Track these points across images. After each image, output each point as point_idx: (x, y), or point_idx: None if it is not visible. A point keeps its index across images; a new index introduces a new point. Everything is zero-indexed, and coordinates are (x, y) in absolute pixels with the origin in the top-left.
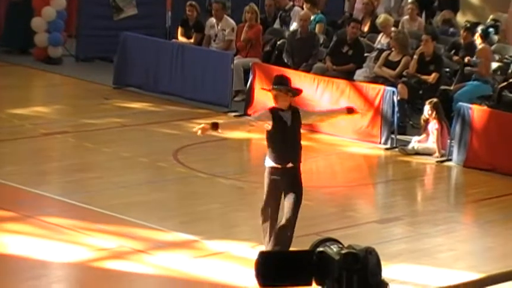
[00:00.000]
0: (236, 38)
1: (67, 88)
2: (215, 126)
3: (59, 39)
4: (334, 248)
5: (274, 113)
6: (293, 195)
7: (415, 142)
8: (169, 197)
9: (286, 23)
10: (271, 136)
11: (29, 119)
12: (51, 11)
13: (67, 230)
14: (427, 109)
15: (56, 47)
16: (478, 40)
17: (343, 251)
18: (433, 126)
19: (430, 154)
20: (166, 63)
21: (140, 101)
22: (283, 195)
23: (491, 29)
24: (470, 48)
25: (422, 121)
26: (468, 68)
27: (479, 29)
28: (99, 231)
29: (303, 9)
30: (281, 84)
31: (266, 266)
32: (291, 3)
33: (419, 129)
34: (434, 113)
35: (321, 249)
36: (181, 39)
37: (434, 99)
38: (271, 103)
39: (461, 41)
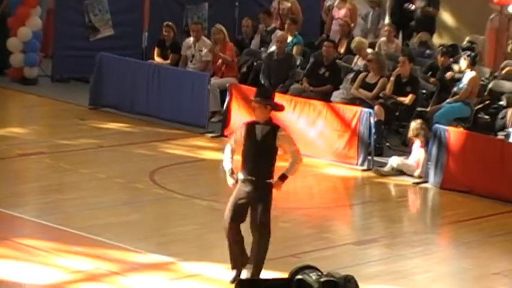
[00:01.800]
0: (212, 59)
1: (43, 109)
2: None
3: (35, 59)
4: (313, 276)
5: (247, 125)
6: (257, 210)
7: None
8: (146, 218)
9: (266, 43)
10: (243, 146)
11: (5, 139)
12: (27, 31)
13: (42, 251)
14: (412, 127)
15: (31, 68)
16: (465, 67)
17: (322, 279)
18: (418, 145)
19: (407, 173)
20: (142, 83)
21: (116, 121)
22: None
23: (472, 54)
24: (446, 70)
25: (408, 139)
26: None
27: (467, 56)
28: (74, 253)
29: (282, 30)
30: (261, 96)
31: None
32: (273, 25)
33: (396, 150)
34: (422, 132)
35: (299, 277)
36: (157, 59)
37: (419, 120)
38: None
39: (439, 65)
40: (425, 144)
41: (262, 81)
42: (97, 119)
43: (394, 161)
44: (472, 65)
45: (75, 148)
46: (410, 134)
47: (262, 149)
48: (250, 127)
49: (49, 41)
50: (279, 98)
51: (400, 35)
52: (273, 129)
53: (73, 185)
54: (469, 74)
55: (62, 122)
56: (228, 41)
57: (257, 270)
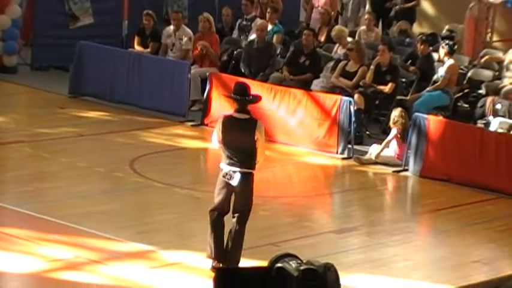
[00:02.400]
0: (193, 48)
1: (22, 97)
2: None
3: (14, 47)
4: (293, 264)
5: (226, 118)
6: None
7: (377, 150)
8: (126, 207)
9: (245, 32)
10: (222, 139)
11: None
12: (6, 19)
13: (22, 240)
14: (393, 115)
15: (10, 56)
16: (443, 55)
17: (301, 267)
18: (394, 133)
19: (390, 164)
20: (122, 72)
21: (96, 110)
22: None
23: (450, 42)
24: (428, 60)
25: (388, 126)
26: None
27: (445, 44)
28: (54, 241)
29: (262, 19)
30: (240, 94)
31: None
32: (253, 13)
33: (376, 138)
34: (401, 120)
35: (279, 265)
36: (137, 48)
37: (400, 108)
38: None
39: (419, 53)
40: (404, 134)
41: (243, 70)
42: (77, 107)
43: (374, 150)
44: (450, 53)
45: (54, 137)
46: (391, 122)
47: (243, 142)
48: (229, 121)
49: (29, 29)
50: (259, 87)
51: (380, 24)
52: (254, 121)
53: (53, 173)
54: (448, 63)
55: (41, 111)
56: (214, 31)
57: (239, 256)
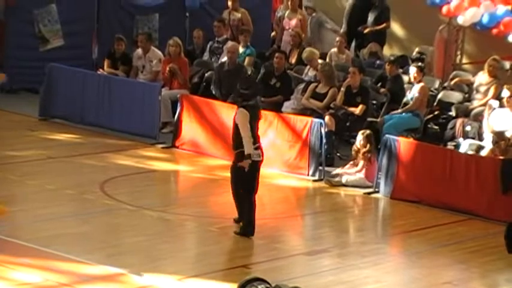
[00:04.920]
0: (162, 70)
1: None
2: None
3: None
4: None
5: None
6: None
7: (342, 173)
8: (96, 229)
9: (216, 54)
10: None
11: None
12: None
13: None
14: (359, 139)
15: None
16: (414, 78)
17: None
18: (360, 165)
19: (361, 186)
20: (92, 94)
21: (66, 132)
22: None
23: (421, 64)
24: (396, 81)
25: (353, 151)
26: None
27: (418, 65)
28: (23, 265)
29: (233, 41)
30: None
31: None
32: (225, 35)
33: (347, 160)
34: (368, 144)
35: None
36: (108, 70)
37: (368, 131)
38: (198, 135)
39: (387, 74)
40: (371, 156)
41: (214, 92)
42: (47, 130)
43: (346, 177)
44: (422, 74)
45: (23, 159)
46: (356, 144)
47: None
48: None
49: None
50: (230, 109)
51: (353, 44)
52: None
53: (21, 196)
54: (419, 84)
55: (10, 133)
56: (182, 56)
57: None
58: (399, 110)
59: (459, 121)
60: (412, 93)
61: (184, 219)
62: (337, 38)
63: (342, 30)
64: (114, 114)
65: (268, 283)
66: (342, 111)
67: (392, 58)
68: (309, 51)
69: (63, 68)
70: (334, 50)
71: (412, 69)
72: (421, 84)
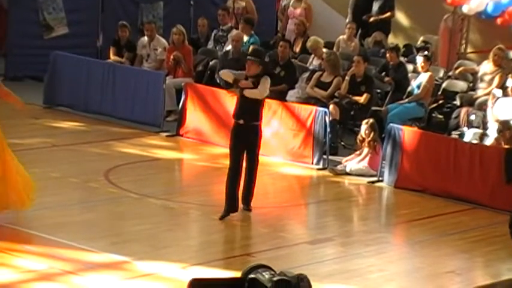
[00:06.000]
0: (166, 59)
1: None
2: (235, 81)
3: None
4: (266, 275)
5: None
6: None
7: (347, 162)
8: (100, 217)
9: (220, 42)
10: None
11: None
12: None
13: None
14: (363, 129)
15: None
16: (422, 65)
17: (274, 278)
18: (365, 153)
19: (365, 174)
20: (97, 82)
21: (71, 120)
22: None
23: (428, 53)
24: (399, 69)
25: (358, 140)
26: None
27: (425, 54)
28: (28, 252)
29: (238, 29)
30: (254, 55)
31: None
32: (229, 24)
33: (351, 149)
34: (372, 133)
35: (252, 276)
36: (113, 58)
37: (371, 120)
38: (203, 124)
39: (389, 62)
40: (375, 144)
41: (218, 80)
42: (51, 118)
43: (348, 164)
44: (429, 63)
45: (28, 147)
46: (361, 133)
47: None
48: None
49: (3, 39)
50: (234, 97)
51: (358, 35)
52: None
53: None
54: (427, 74)
55: (15, 121)
56: (186, 44)
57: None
58: (406, 100)
59: (463, 110)
60: (418, 82)
61: (188, 207)
62: (348, 25)
63: (347, 20)
64: (118, 103)
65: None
66: (346, 100)
67: (391, 45)
68: (314, 40)
69: (68, 56)
70: (343, 37)
71: (419, 59)
72: (429, 73)
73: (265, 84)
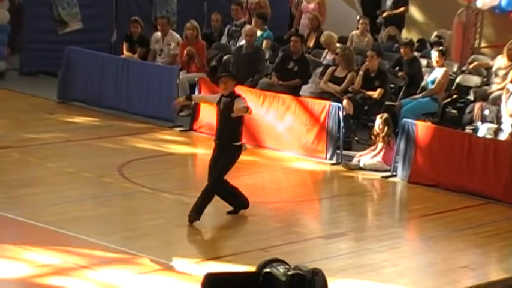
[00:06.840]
0: (179, 54)
1: (10, 102)
2: (188, 98)
3: (2, 52)
4: (281, 269)
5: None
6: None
7: (361, 157)
8: (114, 212)
9: (234, 37)
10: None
11: None
12: None
13: (9, 245)
14: (377, 123)
15: None
16: (437, 59)
17: (289, 272)
18: (379, 148)
19: (379, 169)
20: (111, 77)
21: (85, 115)
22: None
23: (443, 48)
24: (413, 64)
25: (372, 135)
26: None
27: (440, 49)
28: (42, 246)
29: (251, 24)
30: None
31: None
32: (243, 19)
33: (365, 144)
34: (386, 128)
35: (267, 270)
36: (126, 54)
37: (386, 114)
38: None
39: (404, 56)
40: (389, 139)
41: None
42: (65, 113)
43: (365, 160)
44: (444, 57)
45: (43, 142)
46: (375, 128)
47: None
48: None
49: (17, 34)
50: (247, 92)
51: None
52: (233, 98)
53: (40, 179)
54: (442, 69)
55: (29, 116)
56: (200, 39)
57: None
58: (420, 95)
59: (477, 105)
60: (433, 76)
61: None
62: (361, 21)
63: (358, 16)
64: (132, 98)
65: (288, 264)
66: (360, 95)
67: (405, 40)
68: (327, 34)
69: (82, 51)
70: (356, 32)
71: (434, 54)
72: (444, 68)
73: (242, 103)
